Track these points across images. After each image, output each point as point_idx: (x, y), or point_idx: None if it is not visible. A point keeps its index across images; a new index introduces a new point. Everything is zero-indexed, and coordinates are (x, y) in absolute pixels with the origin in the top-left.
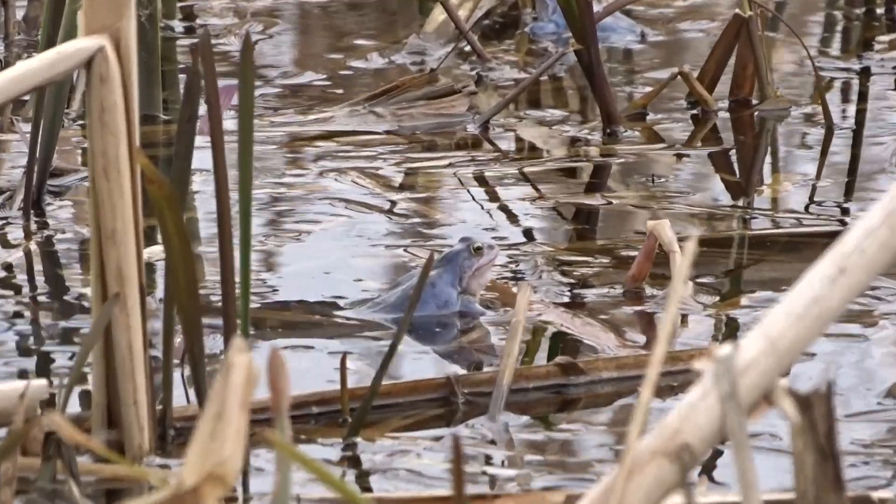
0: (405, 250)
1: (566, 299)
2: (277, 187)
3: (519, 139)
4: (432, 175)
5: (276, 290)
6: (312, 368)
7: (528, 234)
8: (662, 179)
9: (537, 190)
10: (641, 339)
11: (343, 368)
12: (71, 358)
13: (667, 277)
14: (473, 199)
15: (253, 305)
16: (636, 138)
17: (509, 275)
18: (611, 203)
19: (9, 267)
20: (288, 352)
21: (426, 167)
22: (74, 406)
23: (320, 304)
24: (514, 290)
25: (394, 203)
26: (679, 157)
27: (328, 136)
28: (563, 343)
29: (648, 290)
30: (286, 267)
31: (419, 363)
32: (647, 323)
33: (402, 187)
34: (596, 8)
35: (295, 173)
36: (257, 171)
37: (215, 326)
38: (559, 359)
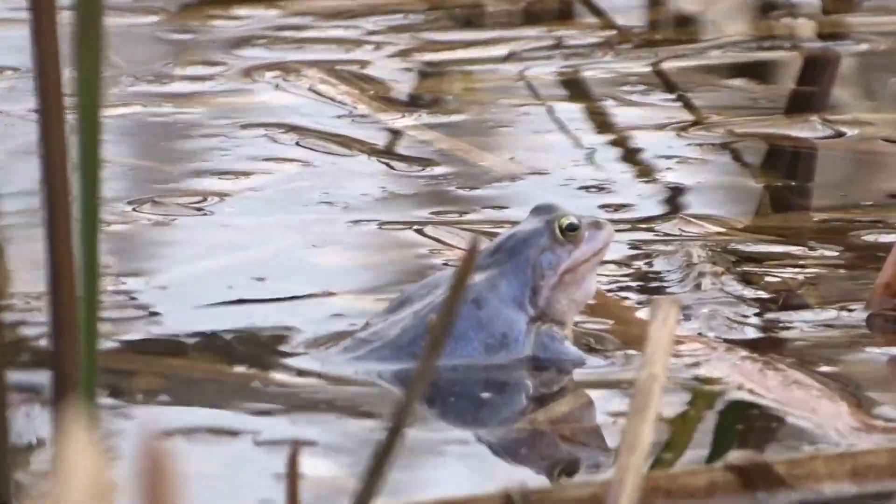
0: (420, 232)
1: (751, 332)
2: (159, 103)
3: (652, 4)
4: (475, 77)
5: (157, 314)
6: (233, 474)
7: (672, 199)
8: None
9: (691, 108)
10: None
11: (293, 474)
12: None
13: None
14: (560, 126)
15: (109, 345)
16: (891, 1)
17: (634, 283)
18: (840, 135)
19: None
20: (182, 440)
21: (462, 61)
22: None
23: (246, 342)
24: (644, 313)
25: (396, 135)
26: None
27: None
28: (745, 422)
29: None
30: (178, 266)
31: (451, 464)
32: None
33: (413, 102)
34: None
35: (194, 74)
36: (118, 71)
37: (31, 388)
38: (736, 456)
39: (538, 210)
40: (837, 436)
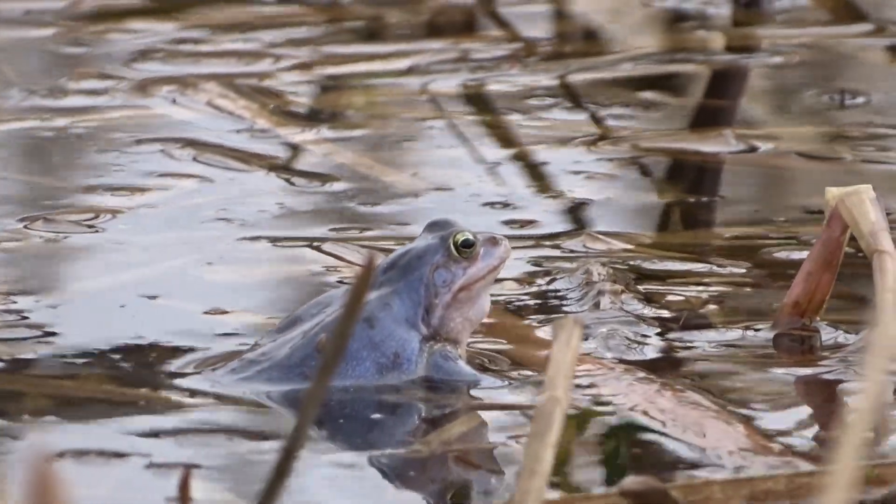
0: (317, 249)
1: (651, 353)
2: (52, 117)
3: (559, 15)
4: (376, 91)
5: (48, 334)
6: (123, 497)
7: (578, 215)
8: (860, 100)
9: (598, 122)
10: (806, 438)
11: (184, 498)
12: None
13: (862, 302)
14: (464, 141)
15: None
16: (804, 13)
17: (533, 301)
18: (753, 150)
19: None
20: (71, 463)
21: (363, 74)
22: None
23: (137, 362)
24: (544, 332)
25: (296, 150)
26: None
27: (158, 7)
28: (638, 444)
29: (826, 333)
30: (70, 284)
31: (342, 487)
32: (823, 403)
33: (314, 116)
34: None
35: (89, 88)
36: (10, 84)
37: None
38: (632, 481)
39: (433, 226)
40: (727, 458)
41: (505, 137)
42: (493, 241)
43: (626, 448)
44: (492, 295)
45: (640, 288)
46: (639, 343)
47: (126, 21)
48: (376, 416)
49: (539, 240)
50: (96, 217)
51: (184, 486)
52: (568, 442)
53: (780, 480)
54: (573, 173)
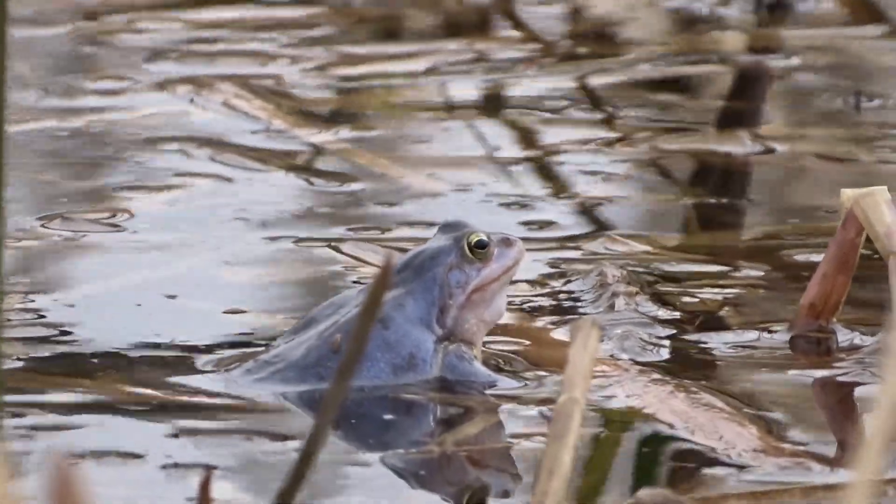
0: (333, 247)
1: (667, 354)
2: (66, 117)
3: (575, 13)
4: (393, 92)
5: (66, 333)
6: (141, 498)
7: (597, 217)
8: (877, 102)
9: (616, 123)
10: (821, 440)
11: (205, 501)
12: None
13: (878, 304)
14: (481, 142)
15: (16, 364)
16: (825, 14)
17: (548, 303)
18: (770, 151)
19: None
20: (90, 463)
21: (380, 75)
22: None
23: (154, 363)
24: (561, 334)
25: (314, 150)
26: None
27: (174, 4)
28: (663, 450)
29: (843, 336)
30: (87, 283)
31: (355, 488)
32: (838, 404)
33: (331, 117)
34: None
35: (105, 88)
36: (26, 84)
37: None
38: (646, 493)
39: (446, 227)
40: (738, 458)
41: (522, 138)
42: (507, 242)
43: (653, 453)
44: (507, 296)
45: (656, 289)
46: (654, 345)
47: (140, 21)
48: (390, 416)
49: (561, 241)
50: (114, 216)
51: (204, 488)
52: (595, 447)
53: (795, 492)
54: (591, 174)
